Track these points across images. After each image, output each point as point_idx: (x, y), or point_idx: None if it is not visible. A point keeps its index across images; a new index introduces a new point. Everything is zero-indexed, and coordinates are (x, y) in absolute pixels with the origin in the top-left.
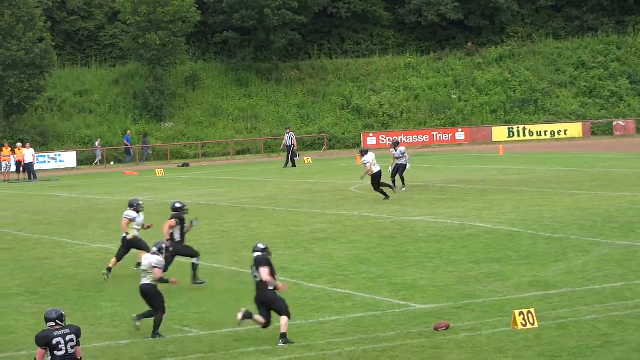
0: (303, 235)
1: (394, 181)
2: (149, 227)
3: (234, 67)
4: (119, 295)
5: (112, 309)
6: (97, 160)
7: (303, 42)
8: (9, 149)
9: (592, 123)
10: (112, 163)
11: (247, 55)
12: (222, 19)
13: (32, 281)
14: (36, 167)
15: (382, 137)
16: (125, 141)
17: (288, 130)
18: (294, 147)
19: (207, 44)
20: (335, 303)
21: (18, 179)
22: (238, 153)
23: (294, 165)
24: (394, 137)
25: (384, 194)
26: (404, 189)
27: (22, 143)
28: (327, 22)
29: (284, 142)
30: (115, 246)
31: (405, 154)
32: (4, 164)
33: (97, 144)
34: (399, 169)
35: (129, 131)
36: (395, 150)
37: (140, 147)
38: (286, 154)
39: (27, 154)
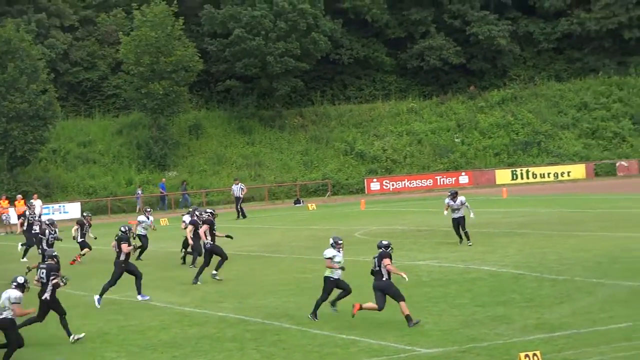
0: (308, 282)
1: (459, 235)
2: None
3: (237, 115)
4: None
5: None
6: (138, 207)
7: (306, 89)
8: (7, 201)
9: (595, 164)
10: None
11: (250, 103)
12: (225, 67)
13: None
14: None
15: (386, 182)
16: (161, 189)
17: (237, 182)
18: (241, 198)
19: (210, 92)
20: (340, 349)
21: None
22: (242, 201)
23: (243, 216)
24: (452, 188)
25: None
26: (470, 244)
27: (22, 195)
28: (329, 68)
29: (232, 193)
30: (118, 296)
31: (465, 204)
32: (3, 216)
33: (139, 191)
34: (460, 223)
35: (164, 179)
36: (454, 202)
37: (180, 194)
38: (235, 205)
39: (37, 206)
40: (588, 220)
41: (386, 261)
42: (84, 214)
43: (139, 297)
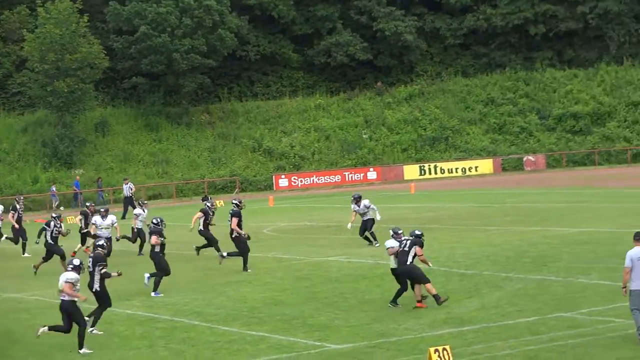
0: (216, 278)
1: (366, 238)
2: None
3: (143, 112)
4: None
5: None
6: (55, 204)
7: (212, 86)
8: None
9: (502, 159)
10: (62, 208)
11: (156, 100)
12: (131, 65)
13: None
14: None
15: (294, 179)
16: (75, 187)
17: (126, 181)
18: (132, 197)
19: (116, 89)
20: (250, 346)
21: None
22: (149, 198)
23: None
24: (355, 192)
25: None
26: (377, 244)
27: None
28: (236, 65)
29: (123, 193)
30: (28, 295)
31: (371, 206)
32: None
33: (53, 188)
34: (367, 225)
35: (78, 177)
36: (358, 206)
37: (95, 191)
38: (124, 204)
39: None
40: (496, 215)
41: (419, 250)
42: (87, 203)
43: (149, 288)
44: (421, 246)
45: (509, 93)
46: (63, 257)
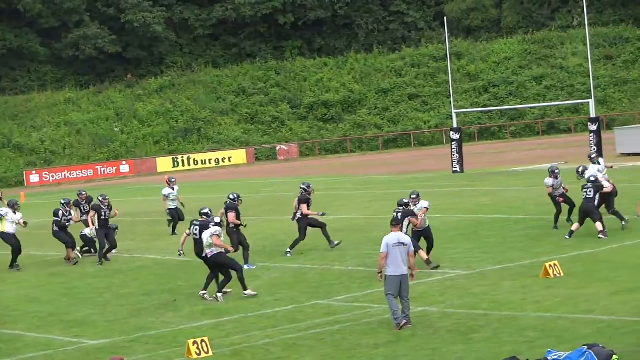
0: None
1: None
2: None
3: None
4: None
5: None
6: None
7: None
8: None
9: (255, 149)
10: None
11: None
12: None
13: None
14: None
15: (46, 174)
16: None
17: None
18: None
19: None
20: (4, 345)
21: None
22: None
23: None
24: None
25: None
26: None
27: None
28: None
29: None
30: None
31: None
32: None
33: None
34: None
35: None
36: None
37: None
38: None
39: None
40: (251, 205)
41: (414, 220)
42: (100, 196)
43: (247, 267)
44: (414, 215)
45: (260, 83)
46: (72, 247)
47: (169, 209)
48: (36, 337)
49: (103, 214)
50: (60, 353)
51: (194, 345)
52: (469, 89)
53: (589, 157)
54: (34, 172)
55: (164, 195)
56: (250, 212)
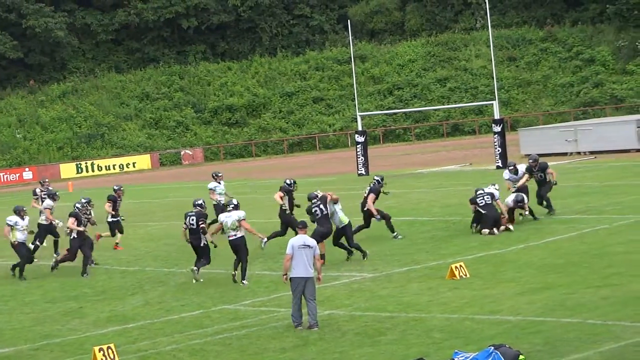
0: None
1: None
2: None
3: None
4: None
5: None
6: None
7: None
8: None
9: (160, 154)
10: None
11: None
12: None
13: None
14: None
15: None
16: None
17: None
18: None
19: None
20: None
21: None
22: None
23: None
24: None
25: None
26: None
27: None
28: None
29: None
30: None
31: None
32: None
33: None
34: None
35: None
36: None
37: None
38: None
39: None
40: (156, 210)
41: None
42: (115, 187)
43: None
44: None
45: (163, 88)
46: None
47: (217, 201)
48: None
49: (83, 221)
50: None
51: (99, 352)
52: (374, 92)
53: (509, 166)
54: None
55: (210, 189)
56: (156, 217)
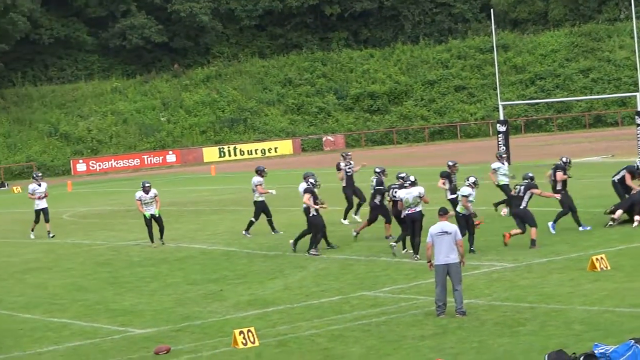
0: (15, 265)
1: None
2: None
3: None
4: None
5: None
6: None
7: (5, 70)
8: None
9: (301, 139)
10: None
11: None
12: None
13: None
14: None
15: (93, 163)
16: None
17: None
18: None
19: None
20: (52, 333)
21: None
22: None
23: None
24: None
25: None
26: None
27: None
28: (29, 49)
29: None
30: None
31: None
32: None
33: None
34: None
35: None
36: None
37: None
38: None
39: None
40: (297, 196)
41: (536, 191)
42: (449, 162)
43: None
44: (536, 187)
45: (306, 74)
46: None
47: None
48: (83, 325)
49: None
50: (107, 342)
51: (240, 335)
52: (516, 81)
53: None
54: (80, 161)
55: (494, 169)
56: (297, 202)
